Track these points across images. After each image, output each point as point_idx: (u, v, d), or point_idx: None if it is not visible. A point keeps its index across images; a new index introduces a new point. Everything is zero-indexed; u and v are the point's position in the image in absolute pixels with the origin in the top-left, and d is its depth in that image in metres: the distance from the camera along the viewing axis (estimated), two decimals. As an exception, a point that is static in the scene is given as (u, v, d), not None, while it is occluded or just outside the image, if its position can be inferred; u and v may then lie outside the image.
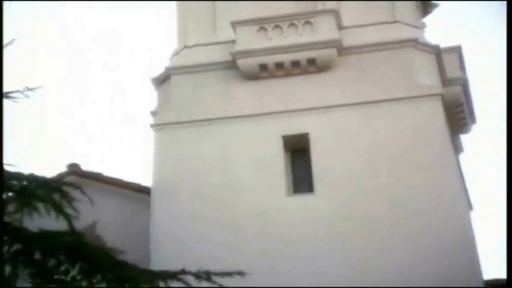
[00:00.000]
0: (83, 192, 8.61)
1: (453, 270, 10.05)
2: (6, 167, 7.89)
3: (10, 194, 8.08)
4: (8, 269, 7.66)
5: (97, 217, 12.17)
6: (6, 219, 7.87)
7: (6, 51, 8.39)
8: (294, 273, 10.31)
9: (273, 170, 11.30)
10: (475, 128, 13.53)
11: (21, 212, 7.77)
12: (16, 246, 7.80)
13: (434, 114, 11.30)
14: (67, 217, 8.00)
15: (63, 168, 13.53)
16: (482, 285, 10.28)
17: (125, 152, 31.93)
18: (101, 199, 11.12)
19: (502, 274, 10.83)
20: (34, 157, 26.20)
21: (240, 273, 8.51)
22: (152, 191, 11.65)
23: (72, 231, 7.99)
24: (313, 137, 11.45)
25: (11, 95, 8.24)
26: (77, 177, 12.82)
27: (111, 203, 13.02)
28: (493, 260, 18.13)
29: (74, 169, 13.40)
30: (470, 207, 13.16)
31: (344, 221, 10.67)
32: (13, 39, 8.72)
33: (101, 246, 8.22)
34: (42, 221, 8.03)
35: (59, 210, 7.95)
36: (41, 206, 7.83)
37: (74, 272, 8.19)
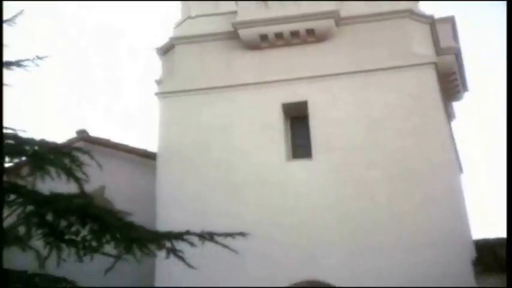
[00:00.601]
0: (91, 157, 8.68)
1: (444, 230, 10.16)
2: (18, 133, 7.95)
3: (23, 158, 8.15)
4: (22, 229, 7.77)
5: (105, 181, 12.24)
6: (19, 182, 7.94)
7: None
8: (291, 234, 10.42)
9: (273, 136, 11.35)
10: (467, 96, 13.54)
11: (34, 175, 7.83)
12: (29, 208, 7.87)
13: (428, 82, 11.33)
14: (77, 180, 8.07)
15: (73, 135, 13.57)
16: (470, 245, 10.37)
17: (131, 119, 31.97)
18: (109, 164, 11.16)
19: (490, 234, 11.06)
20: (44, 124, 26.33)
21: (242, 234, 8.59)
22: (158, 156, 11.71)
23: (83, 194, 8.05)
24: (312, 105, 11.48)
25: (23, 63, 8.27)
26: (86, 143, 12.86)
27: (118, 168, 13.07)
28: (481, 220, 18.35)
29: (82, 135, 13.43)
30: (461, 170, 13.24)
31: (340, 184, 10.75)
32: (22, 10, 8.71)
33: (109, 208, 8.31)
34: (54, 184, 8.12)
35: (70, 173, 8.01)
36: (52, 169, 7.89)
37: (84, 233, 8.29)
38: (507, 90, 9.15)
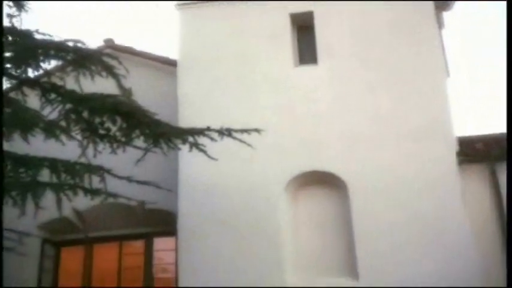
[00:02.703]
0: (119, 62, 8.55)
1: (433, 126, 10.15)
2: (54, 38, 7.79)
3: (60, 62, 8.04)
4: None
5: (131, 85, 12.06)
6: (59, 83, 7.85)
7: None
8: (299, 130, 10.37)
9: (281, 44, 11.08)
10: (455, 6, 13.10)
11: (77, 72, 7.73)
12: (68, 106, 7.84)
13: (423, -6, 10.97)
14: (116, 76, 7.98)
15: (100, 43, 13.29)
16: (454, 140, 10.33)
17: (153, 30, 31.42)
18: (134, 70, 10.90)
19: (469, 132, 11.05)
20: (75, 33, 25.84)
21: (256, 130, 8.62)
22: (178, 62, 11.45)
23: (122, 89, 7.95)
24: (318, 15, 11.12)
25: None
26: (113, 51, 12.59)
27: (142, 74, 12.85)
28: (463, 119, 18.32)
29: (109, 43, 13.16)
30: (447, 74, 13.04)
31: (342, 86, 10.61)
32: None
33: (139, 106, 8.21)
34: (88, 87, 8.05)
35: (109, 71, 7.90)
36: (90, 69, 7.79)
37: (115, 128, 8.27)
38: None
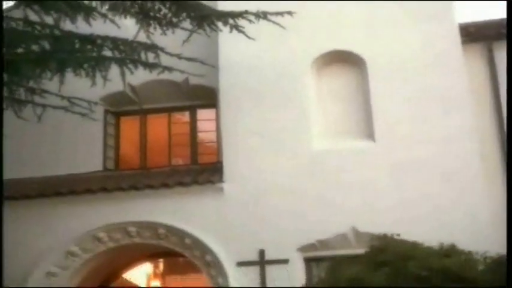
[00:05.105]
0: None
1: (437, 10, 9.63)
2: None
3: None
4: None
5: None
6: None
7: None
8: (323, 12, 9.81)
9: None
10: None
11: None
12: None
13: None
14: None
15: None
16: (456, 23, 9.74)
17: None
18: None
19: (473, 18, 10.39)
20: None
21: (289, 13, 8.39)
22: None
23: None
24: None
25: None
26: None
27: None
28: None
29: None
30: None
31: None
32: None
33: (185, -9, 7.83)
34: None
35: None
36: None
37: (164, 11, 8.02)
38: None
